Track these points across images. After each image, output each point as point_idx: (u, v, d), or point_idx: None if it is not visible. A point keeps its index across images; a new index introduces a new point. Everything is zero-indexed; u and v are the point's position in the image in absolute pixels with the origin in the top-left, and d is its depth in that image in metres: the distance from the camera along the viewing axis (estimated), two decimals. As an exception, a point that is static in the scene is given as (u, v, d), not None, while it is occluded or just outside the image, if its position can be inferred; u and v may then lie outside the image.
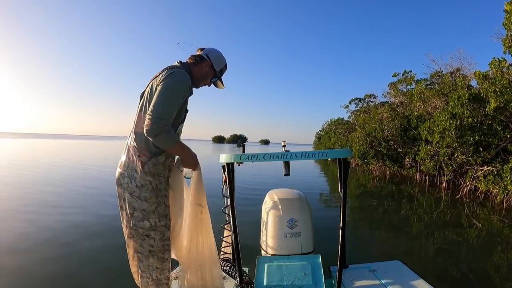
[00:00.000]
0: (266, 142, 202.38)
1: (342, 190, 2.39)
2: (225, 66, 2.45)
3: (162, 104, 1.96)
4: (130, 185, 2.06)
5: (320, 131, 47.44)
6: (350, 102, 33.25)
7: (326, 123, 40.78)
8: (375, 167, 19.73)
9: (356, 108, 32.21)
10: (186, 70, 2.21)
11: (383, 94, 25.87)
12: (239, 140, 2.68)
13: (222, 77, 2.46)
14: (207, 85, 2.45)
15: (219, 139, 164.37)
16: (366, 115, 21.81)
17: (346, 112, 34.54)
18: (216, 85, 2.47)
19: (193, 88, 2.34)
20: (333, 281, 2.48)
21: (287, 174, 2.42)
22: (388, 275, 2.50)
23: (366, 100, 30.85)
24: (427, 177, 14.34)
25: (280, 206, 2.75)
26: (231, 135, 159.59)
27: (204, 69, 2.35)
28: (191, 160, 2.19)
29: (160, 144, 2.01)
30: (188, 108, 2.27)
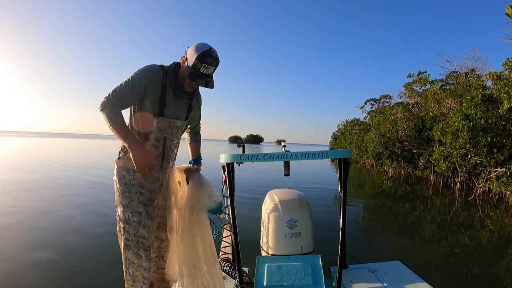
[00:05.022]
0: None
1: (342, 190, 2.41)
2: (204, 60, 2.00)
3: (118, 86, 2.02)
4: (114, 177, 2.18)
5: (336, 131, 47.01)
6: (365, 103, 32.84)
7: (341, 123, 40.42)
8: (390, 168, 19.51)
9: (372, 109, 31.85)
10: (173, 70, 2.15)
11: (398, 95, 25.56)
12: (239, 140, 2.71)
13: (213, 75, 2.10)
14: (198, 85, 2.15)
15: (235, 139, 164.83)
16: (381, 115, 21.58)
17: (362, 113, 34.16)
18: (203, 84, 2.09)
19: (201, 90, 2.34)
20: (333, 282, 2.49)
21: (287, 174, 2.45)
22: (388, 275, 2.51)
23: (382, 100, 30.46)
24: (441, 178, 14.14)
25: (280, 206, 2.77)
26: (247, 135, 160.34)
27: (183, 67, 2.13)
28: (134, 158, 1.96)
29: (104, 120, 2.01)
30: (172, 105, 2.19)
